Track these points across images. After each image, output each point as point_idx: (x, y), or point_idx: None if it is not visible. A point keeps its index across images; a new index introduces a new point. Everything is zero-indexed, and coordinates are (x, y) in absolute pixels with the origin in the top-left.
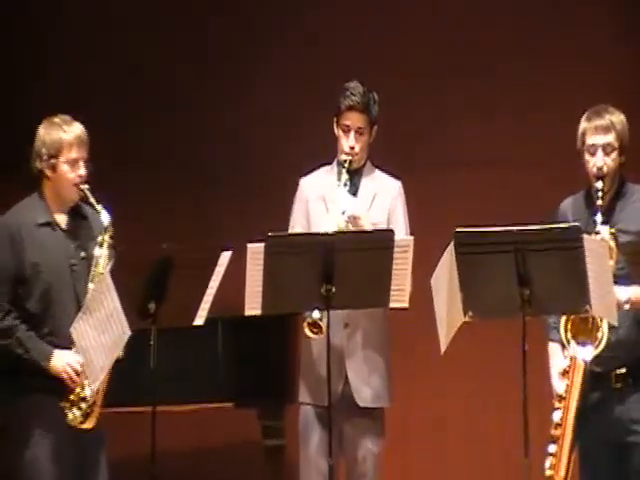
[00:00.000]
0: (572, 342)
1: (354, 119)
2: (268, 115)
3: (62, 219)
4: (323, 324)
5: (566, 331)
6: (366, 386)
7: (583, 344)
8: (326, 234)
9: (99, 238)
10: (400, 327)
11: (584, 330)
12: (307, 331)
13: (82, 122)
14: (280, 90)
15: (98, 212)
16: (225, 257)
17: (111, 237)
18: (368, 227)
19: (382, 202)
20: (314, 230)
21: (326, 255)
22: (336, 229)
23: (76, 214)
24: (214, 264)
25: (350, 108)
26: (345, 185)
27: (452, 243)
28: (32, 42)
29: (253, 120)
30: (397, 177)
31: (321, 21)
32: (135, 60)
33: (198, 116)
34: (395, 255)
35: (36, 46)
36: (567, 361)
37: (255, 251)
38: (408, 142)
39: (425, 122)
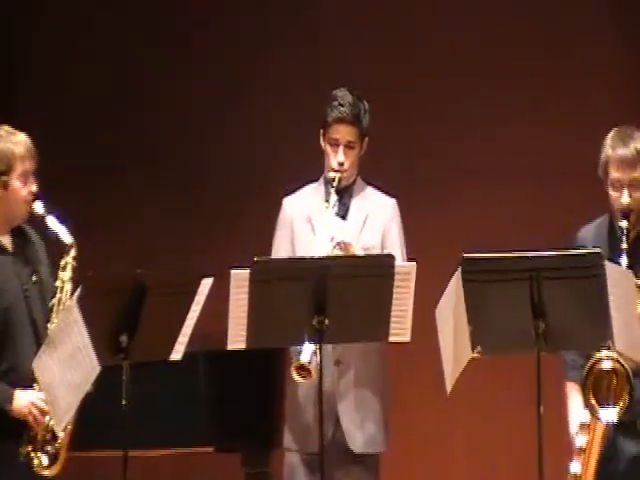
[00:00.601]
0: (596, 407)
1: (343, 132)
2: (252, 131)
3: (7, 241)
4: (313, 368)
5: (588, 394)
6: (360, 430)
7: (606, 405)
8: (319, 259)
9: (62, 261)
10: (399, 363)
11: (605, 386)
12: (295, 375)
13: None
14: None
15: (55, 231)
16: (206, 284)
17: (74, 258)
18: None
19: (375, 224)
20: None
21: (318, 283)
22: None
23: (19, 234)
24: (194, 292)
25: (339, 120)
26: (334, 207)
27: (459, 269)
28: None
29: (240, 134)
30: (391, 195)
31: (320, 24)
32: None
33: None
34: (396, 283)
35: (20, 48)
36: (587, 414)
37: (239, 278)
38: (406, 154)
39: (427, 132)
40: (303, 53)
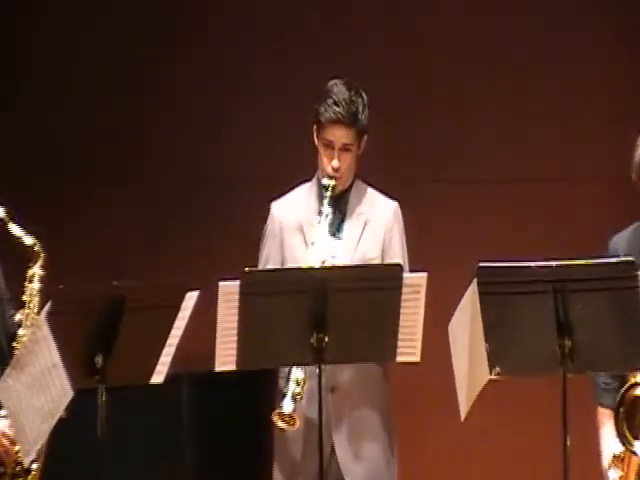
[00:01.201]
0: (629, 438)
1: (338, 135)
2: (238, 129)
3: None
4: (297, 417)
5: (620, 424)
6: (359, 465)
7: None
8: (318, 269)
9: (29, 271)
10: (406, 387)
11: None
12: (277, 422)
13: None
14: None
15: (18, 238)
16: (191, 298)
17: (42, 268)
18: None
19: (375, 231)
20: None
21: (318, 296)
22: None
23: None
24: (177, 307)
25: (333, 122)
26: (326, 218)
27: (474, 280)
28: None
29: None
30: (393, 197)
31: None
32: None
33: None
34: (404, 297)
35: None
36: (620, 446)
37: (228, 291)
38: (417, 154)
39: (436, 132)
40: (276, 67)
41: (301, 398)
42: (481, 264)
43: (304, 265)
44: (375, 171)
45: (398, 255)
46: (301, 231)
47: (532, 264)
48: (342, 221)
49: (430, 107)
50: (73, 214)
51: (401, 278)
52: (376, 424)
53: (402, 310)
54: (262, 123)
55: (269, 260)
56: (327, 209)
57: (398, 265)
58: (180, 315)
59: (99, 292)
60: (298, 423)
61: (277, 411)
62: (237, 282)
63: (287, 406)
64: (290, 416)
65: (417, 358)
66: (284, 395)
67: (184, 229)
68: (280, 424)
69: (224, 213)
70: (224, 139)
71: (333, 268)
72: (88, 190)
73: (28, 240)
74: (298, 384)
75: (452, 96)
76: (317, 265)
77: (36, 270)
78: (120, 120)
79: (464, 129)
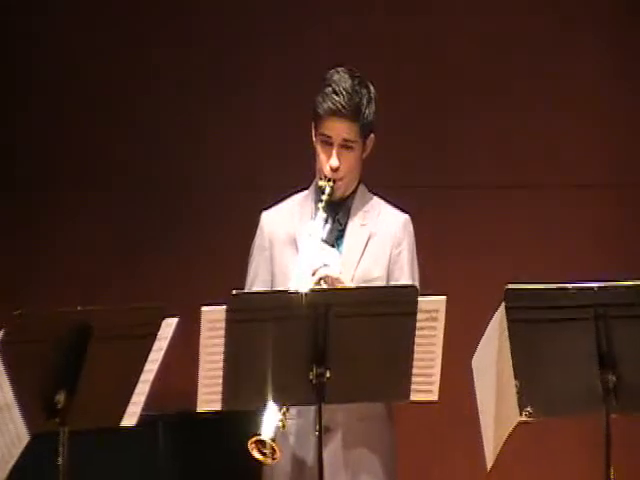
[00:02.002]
0: None
1: (338, 128)
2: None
3: None
4: (277, 447)
5: None
6: None
7: None
8: (318, 292)
9: None
10: (420, 430)
11: None
12: (254, 451)
13: None
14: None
15: None
16: (169, 326)
17: None
18: None
19: (380, 247)
20: (280, 288)
21: (318, 323)
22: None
23: None
24: (152, 336)
25: (332, 113)
26: (321, 224)
27: (502, 305)
28: None
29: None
30: (403, 209)
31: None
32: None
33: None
34: (420, 324)
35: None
36: None
37: (212, 317)
38: (436, 158)
39: (456, 135)
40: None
41: (283, 426)
42: (510, 286)
43: (295, 282)
44: (385, 177)
45: (406, 275)
46: (294, 244)
47: (570, 285)
48: (342, 233)
49: (454, 104)
50: (29, 227)
51: (416, 302)
52: (376, 469)
53: (417, 340)
54: (247, 132)
55: (256, 279)
56: (321, 215)
57: (412, 287)
58: (156, 346)
59: (60, 318)
60: (279, 456)
61: (254, 438)
62: (223, 307)
63: (267, 432)
64: (270, 446)
65: (435, 397)
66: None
67: (159, 244)
68: (257, 454)
69: (207, 225)
70: (203, 146)
71: (335, 290)
72: (50, 199)
73: None
74: (280, 408)
75: (484, 89)
76: (308, 276)
77: None
78: (88, 133)
79: (487, 129)
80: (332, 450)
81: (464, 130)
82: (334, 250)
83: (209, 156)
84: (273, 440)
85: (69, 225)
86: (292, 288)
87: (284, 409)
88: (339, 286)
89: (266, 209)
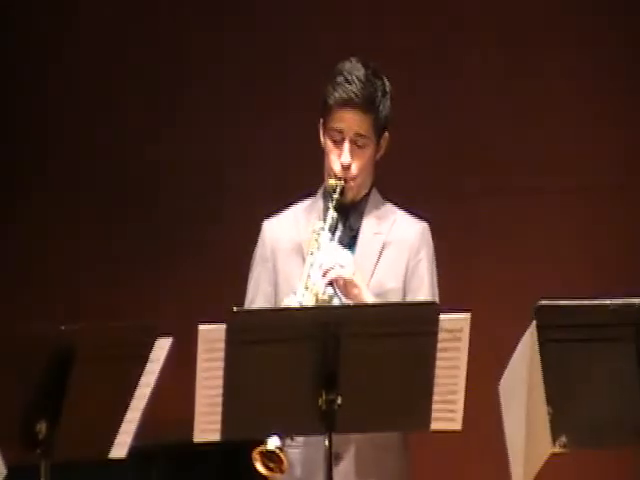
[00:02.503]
0: None
1: (350, 120)
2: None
3: None
4: (284, 456)
5: None
6: None
7: None
8: (328, 308)
9: None
10: (441, 461)
11: None
12: (258, 465)
13: None
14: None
15: None
16: (163, 346)
17: None
18: (367, 298)
19: (395, 258)
20: (285, 303)
21: (327, 344)
22: (311, 303)
23: None
24: (143, 358)
25: (344, 103)
26: (332, 230)
27: (533, 324)
28: None
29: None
30: (420, 216)
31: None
32: None
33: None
34: (441, 345)
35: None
36: None
37: (211, 337)
38: (459, 162)
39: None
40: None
41: (292, 438)
42: (542, 302)
43: (297, 295)
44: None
45: (426, 288)
46: (299, 252)
47: (608, 302)
48: (354, 240)
49: (479, 106)
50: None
51: (437, 320)
52: None
53: (438, 362)
54: (247, 146)
55: (258, 293)
56: (332, 213)
57: (433, 303)
58: (148, 368)
59: (41, 338)
60: (286, 466)
61: (259, 449)
62: (222, 325)
63: (273, 441)
64: (277, 455)
65: (458, 426)
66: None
67: (150, 257)
68: (260, 467)
69: (204, 237)
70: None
71: (348, 307)
72: (33, 212)
73: None
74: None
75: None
76: (318, 280)
77: None
78: (82, 147)
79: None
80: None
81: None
82: (347, 251)
83: (209, 169)
84: (280, 449)
85: (54, 237)
86: (298, 293)
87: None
88: (353, 292)
89: (267, 218)
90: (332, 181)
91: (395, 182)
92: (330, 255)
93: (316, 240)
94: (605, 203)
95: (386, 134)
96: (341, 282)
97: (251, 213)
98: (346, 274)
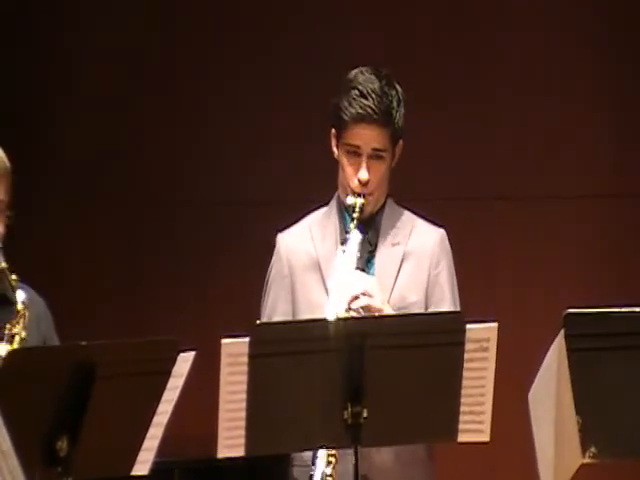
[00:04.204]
0: None
1: (367, 136)
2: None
3: None
4: None
5: None
6: None
7: None
8: (352, 319)
9: (7, 328)
10: (468, 475)
11: None
12: None
13: None
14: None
15: (13, 287)
16: (185, 361)
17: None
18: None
19: (416, 267)
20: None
21: (352, 356)
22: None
23: None
24: (166, 373)
25: (360, 119)
26: (357, 242)
27: (561, 332)
28: None
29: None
30: (437, 223)
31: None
32: None
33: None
34: (468, 355)
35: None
36: None
37: (234, 351)
38: (479, 165)
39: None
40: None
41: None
42: (569, 310)
43: (324, 311)
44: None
45: (447, 299)
46: (317, 268)
47: (638, 309)
48: (372, 254)
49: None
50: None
51: (464, 330)
52: None
53: (465, 373)
54: (261, 150)
55: (276, 311)
56: (355, 237)
57: (459, 313)
58: (171, 384)
59: (60, 354)
60: None
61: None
62: (245, 339)
63: (324, 468)
64: None
65: (486, 437)
66: (311, 477)
67: (170, 271)
68: None
69: (225, 249)
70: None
71: (372, 319)
72: (49, 226)
73: (20, 295)
74: (329, 463)
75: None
76: (342, 309)
77: (18, 328)
78: (97, 160)
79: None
80: None
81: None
82: (373, 278)
83: (230, 184)
84: (330, 476)
85: (72, 250)
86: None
87: (334, 462)
88: (373, 306)
89: (281, 231)
90: (351, 199)
91: (417, 189)
92: (358, 282)
93: (340, 264)
94: (631, 209)
95: (400, 142)
96: (363, 304)
97: (273, 227)
98: (376, 304)
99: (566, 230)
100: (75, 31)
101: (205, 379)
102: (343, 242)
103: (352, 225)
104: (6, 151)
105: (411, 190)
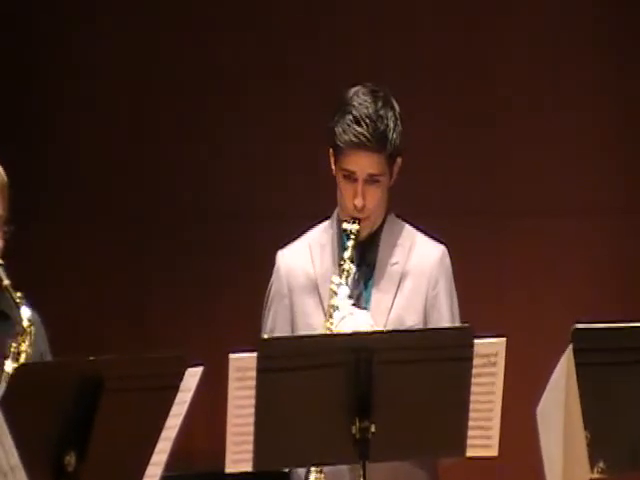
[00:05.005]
0: None
1: (363, 163)
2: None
3: None
4: None
5: None
6: None
7: None
8: (360, 334)
9: (13, 346)
10: None
11: None
12: None
13: None
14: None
15: (17, 304)
16: (193, 376)
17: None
18: None
19: (414, 290)
20: None
21: (360, 370)
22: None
23: None
24: (174, 388)
25: (355, 146)
26: (349, 275)
27: (569, 347)
28: None
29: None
30: (438, 240)
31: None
32: None
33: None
34: (476, 370)
35: None
36: None
37: (242, 365)
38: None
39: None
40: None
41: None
42: (578, 325)
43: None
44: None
45: (445, 320)
46: (315, 291)
47: None
48: (371, 274)
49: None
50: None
51: (472, 345)
52: None
53: (473, 388)
54: (270, 162)
55: (276, 329)
56: (349, 266)
57: (467, 328)
58: (179, 398)
59: (68, 369)
60: None
61: None
62: (253, 354)
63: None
64: None
65: (494, 452)
66: None
67: (176, 285)
68: None
69: (232, 262)
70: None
71: (380, 333)
72: (58, 231)
73: (25, 311)
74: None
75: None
76: None
77: (24, 346)
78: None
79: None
80: None
81: (511, 153)
82: (364, 313)
83: (240, 200)
84: None
85: (77, 263)
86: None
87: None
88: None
89: (281, 248)
90: (346, 225)
91: (428, 204)
92: (350, 321)
93: (335, 293)
94: (638, 228)
95: (399, 160)
96: None
97: (282, 241)
98: (363, 326)
99: (577, 246)
100: (72, 52)
101: (213, 394)
102: (340, 273)
103: (346, 255)
104: (5, 166)
105: (422, 205)
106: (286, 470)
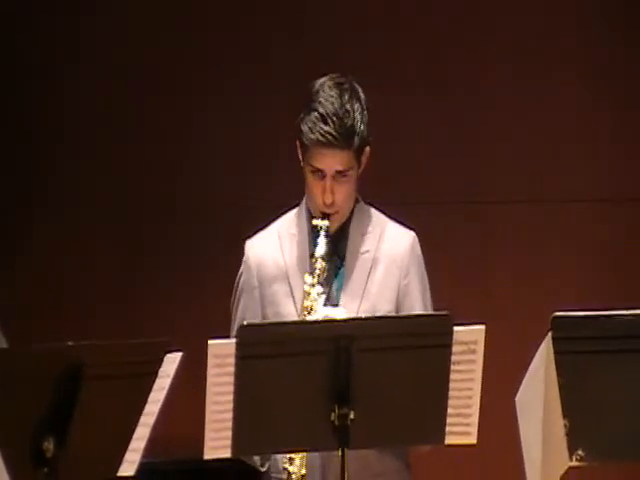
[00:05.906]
0: None
1: (330, 160)
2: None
3: None
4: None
5: None
6: None
7: None
8: (339, 321)
9: None
10: (451, 474)
11: None
12: None
13: None
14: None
15: None
16: (172, 362)
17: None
18: None
19: (385, 279)
20: None
21: (339, 358)
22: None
23: None
24: (153, 374)
25: (321, 145)
26: (320, 274)
27: (548, 336)
28: None
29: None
30: (408, 226)
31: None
32: None
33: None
34: (455, 357)
35: None
36: None
37: (220, 352)
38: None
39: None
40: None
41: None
42: (557, 313)
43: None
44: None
45: (418, 308)
46: (285, 281)
47: (627, 312)
48: (341, 263)
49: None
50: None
51: (451, 333)
52: None
53: (453, 375)
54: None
55: (245, 321)
56: (322, 264)
57: (447, 315)
58: (157, 385)
59: (49, 355)
60: None
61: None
62: (232, 340)
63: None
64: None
65: (473, 440)
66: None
67: (157, 270)
68: None
69: (214, 247)
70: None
71: (359, 320)
72: (36, 223)
73: None
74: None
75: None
76: None
77: None
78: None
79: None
80: None
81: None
82: (339, 310)
83: (226, 191)
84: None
85: (68, 252)
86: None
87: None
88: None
89: (249, 237)
90: (316, 222)
91: (414, 192)
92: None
93: (308, 294)
94: (630, 214)
95: (367, 149)
96: None
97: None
98: (332, 314)
99: (565, 233)
100: (69, 46)
101: (195, 380)
102: (311, 272)
103: (317, 255)
104: (3, 165)
105: (409, 193)
106: (263, 470)
